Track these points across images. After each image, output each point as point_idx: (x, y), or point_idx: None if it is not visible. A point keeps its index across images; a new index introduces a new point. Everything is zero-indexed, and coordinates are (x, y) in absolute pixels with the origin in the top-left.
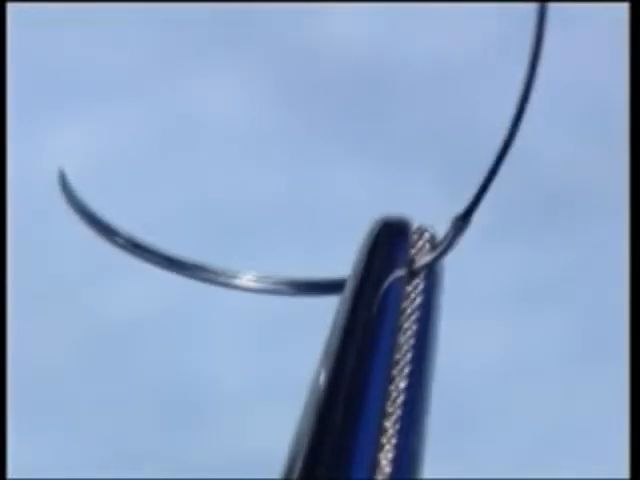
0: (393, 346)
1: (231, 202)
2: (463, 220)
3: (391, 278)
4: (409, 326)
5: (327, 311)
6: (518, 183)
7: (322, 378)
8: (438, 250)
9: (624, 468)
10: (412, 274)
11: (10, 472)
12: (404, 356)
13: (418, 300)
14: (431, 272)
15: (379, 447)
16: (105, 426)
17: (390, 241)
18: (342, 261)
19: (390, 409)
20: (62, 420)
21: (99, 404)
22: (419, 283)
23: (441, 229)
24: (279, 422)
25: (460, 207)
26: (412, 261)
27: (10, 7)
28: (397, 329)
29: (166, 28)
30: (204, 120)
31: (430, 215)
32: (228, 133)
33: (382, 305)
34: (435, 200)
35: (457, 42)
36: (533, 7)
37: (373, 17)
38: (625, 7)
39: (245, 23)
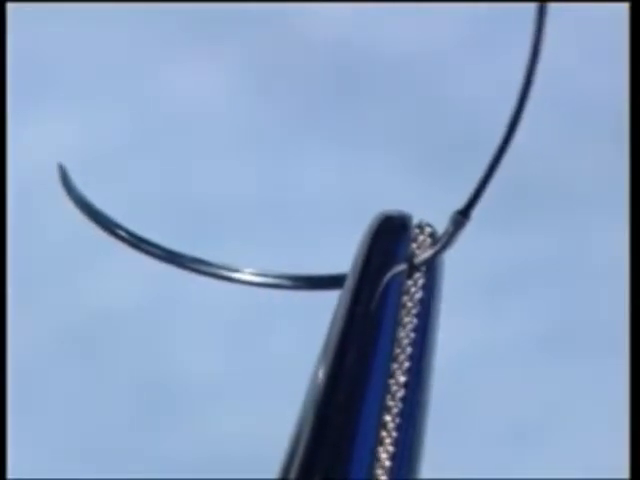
0: (393, 340)
1: (204, 193)
2: (463, 215)
3: (392, 272)
4: (409, 320)
5: (302, 305)
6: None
7: (322, 372)
8: (439, 245)
9: (598, 454)
10: (413, 269)
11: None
12: (404, 350)
13: (418, 295)
14: (431, 267)
15: (379, 441)
16: (74, 420)
17: (391, 236)
18: (314, 251)
19: (390, 403)
20: (31, 414)
21: (68, 397)
22: (419, 278)
23: (416, 215)
24: (252, 413)
25: (435, 197)
26: (413, 256)
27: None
28: (397, 323)
29: (148, 20)
30: (181, 112)
31: (404, 202)
32: (205, 124)
33: (382, 299)
34: (407, 188)
35: (427, 34)
36: (533, 6)
37: (345, 10)
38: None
39: (222, 15)
